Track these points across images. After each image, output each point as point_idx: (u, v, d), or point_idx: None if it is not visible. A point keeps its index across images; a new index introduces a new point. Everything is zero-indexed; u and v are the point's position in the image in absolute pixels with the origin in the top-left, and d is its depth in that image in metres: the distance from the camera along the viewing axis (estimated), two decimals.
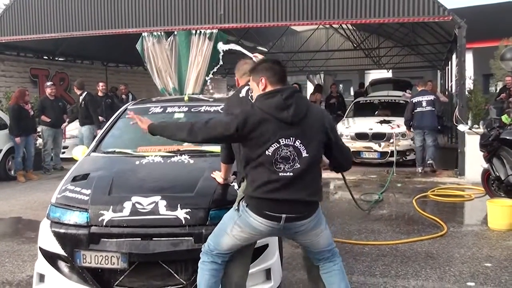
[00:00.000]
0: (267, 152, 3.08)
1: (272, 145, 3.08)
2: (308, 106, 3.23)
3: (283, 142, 3.09)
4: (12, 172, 10.41)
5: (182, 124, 3.48)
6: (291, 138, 3.10)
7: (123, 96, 13.99)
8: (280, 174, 3.09)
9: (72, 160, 11.64)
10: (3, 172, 10.23)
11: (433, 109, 10.38)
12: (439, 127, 11.17)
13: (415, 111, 10.41)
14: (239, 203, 3.29)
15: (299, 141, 3.11)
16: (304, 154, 3.12)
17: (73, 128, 12.17)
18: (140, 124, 3.56)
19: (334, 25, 19.75)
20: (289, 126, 3.11)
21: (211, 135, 3.26)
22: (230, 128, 3.14)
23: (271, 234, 3.32)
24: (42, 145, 11.34)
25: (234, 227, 3.28)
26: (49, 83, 11.77)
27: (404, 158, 11.03)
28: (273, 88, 3.20)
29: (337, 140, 3.36)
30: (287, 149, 3.09)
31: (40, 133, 11.35)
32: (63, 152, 12.06)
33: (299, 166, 3.10)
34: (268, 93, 3.19)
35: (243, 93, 3.83)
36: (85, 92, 11.55)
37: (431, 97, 10.51)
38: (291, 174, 3.10)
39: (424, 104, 10.38)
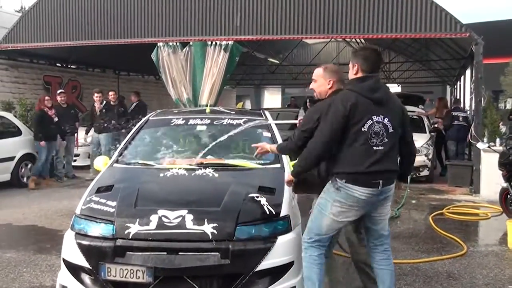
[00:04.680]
0: (363, 129, 3.53)
1: (367, 122, 3.54)
2: (389, 92, 3.75)
3: (375, 119, 3.55)
4: (25, 179, 10.40)
5: (301, 159, 3.75)
6: (381, 116, 3.57)
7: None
8: (374, 148, 3.55)
9: (83, 168, 11.74)
10: (16, 179, 10.21)
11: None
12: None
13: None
14: (332, 182, 3.63)
15: (387, 119, 3.59)
16: (391, 130, 3.60)
17: (84, 136, 12.14)
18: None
19: (346, 39, 19.74)
20: (379, 105, 3.58)
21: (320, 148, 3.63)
22: (337, 123, 3.52)
23: (368, 202, 3.61)
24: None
25: (334, 204, 3.62)
26: (59, 91, 11.85)
27: (418, 174, 10.93)
28: (364, 75, 3.66)
29: (405, 134, 3.78)
30: (378, 125, 3.56)
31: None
32: (75, 160, 12.07)
33: (387, 140, 3.58)
34: (361, 78, 3.66)
35: None
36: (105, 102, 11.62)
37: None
38: (382, 147, 3.56)
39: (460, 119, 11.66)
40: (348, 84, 3.72)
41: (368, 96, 3.56)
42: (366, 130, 3.52)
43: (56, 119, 10.70)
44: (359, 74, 3.67)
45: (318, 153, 3.63)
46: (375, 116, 3.54)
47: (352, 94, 3.57)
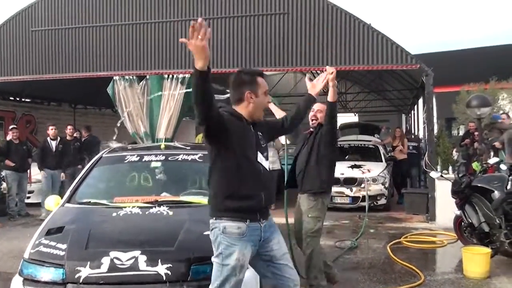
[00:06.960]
0: None
1: None
2: None
3: None
4: None
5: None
6: None
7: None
8: None
9: (37, 205, 11.35)
10: None
11: None
12: None
13: None
14: None
15: None
16: None
17: (38, 173, 11.78)
18: None
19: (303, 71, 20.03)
20: None
21: None
22: None
23: None
24: (6, 190, 10.97)
25: None
26: (11, 127, 11.53)
27: (375, 203, 11.08)
28: None
29: None
30: None
31: (3, 178, 10.99)
32: (28, 197, 11.69)
33: None
34: None
35: None
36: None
37: None
38: None
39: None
40: None
41: None
42: None
43: None
44: None
45: None
46: None
47: None
